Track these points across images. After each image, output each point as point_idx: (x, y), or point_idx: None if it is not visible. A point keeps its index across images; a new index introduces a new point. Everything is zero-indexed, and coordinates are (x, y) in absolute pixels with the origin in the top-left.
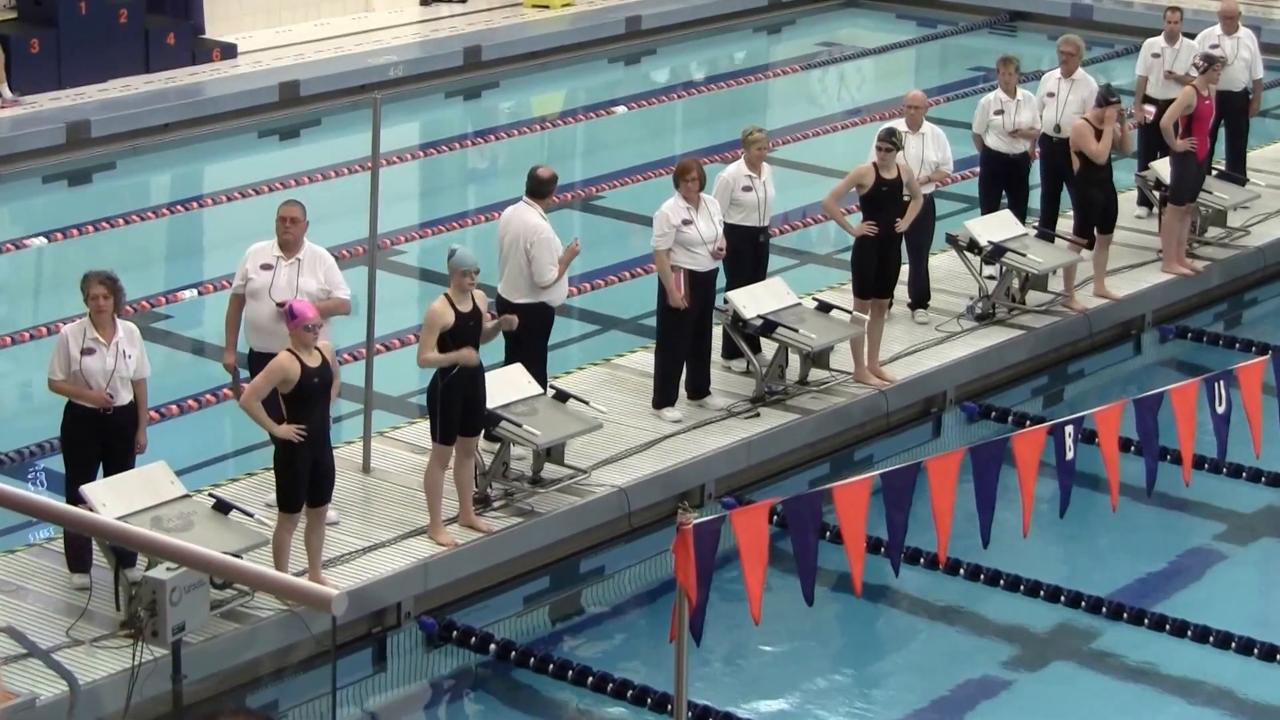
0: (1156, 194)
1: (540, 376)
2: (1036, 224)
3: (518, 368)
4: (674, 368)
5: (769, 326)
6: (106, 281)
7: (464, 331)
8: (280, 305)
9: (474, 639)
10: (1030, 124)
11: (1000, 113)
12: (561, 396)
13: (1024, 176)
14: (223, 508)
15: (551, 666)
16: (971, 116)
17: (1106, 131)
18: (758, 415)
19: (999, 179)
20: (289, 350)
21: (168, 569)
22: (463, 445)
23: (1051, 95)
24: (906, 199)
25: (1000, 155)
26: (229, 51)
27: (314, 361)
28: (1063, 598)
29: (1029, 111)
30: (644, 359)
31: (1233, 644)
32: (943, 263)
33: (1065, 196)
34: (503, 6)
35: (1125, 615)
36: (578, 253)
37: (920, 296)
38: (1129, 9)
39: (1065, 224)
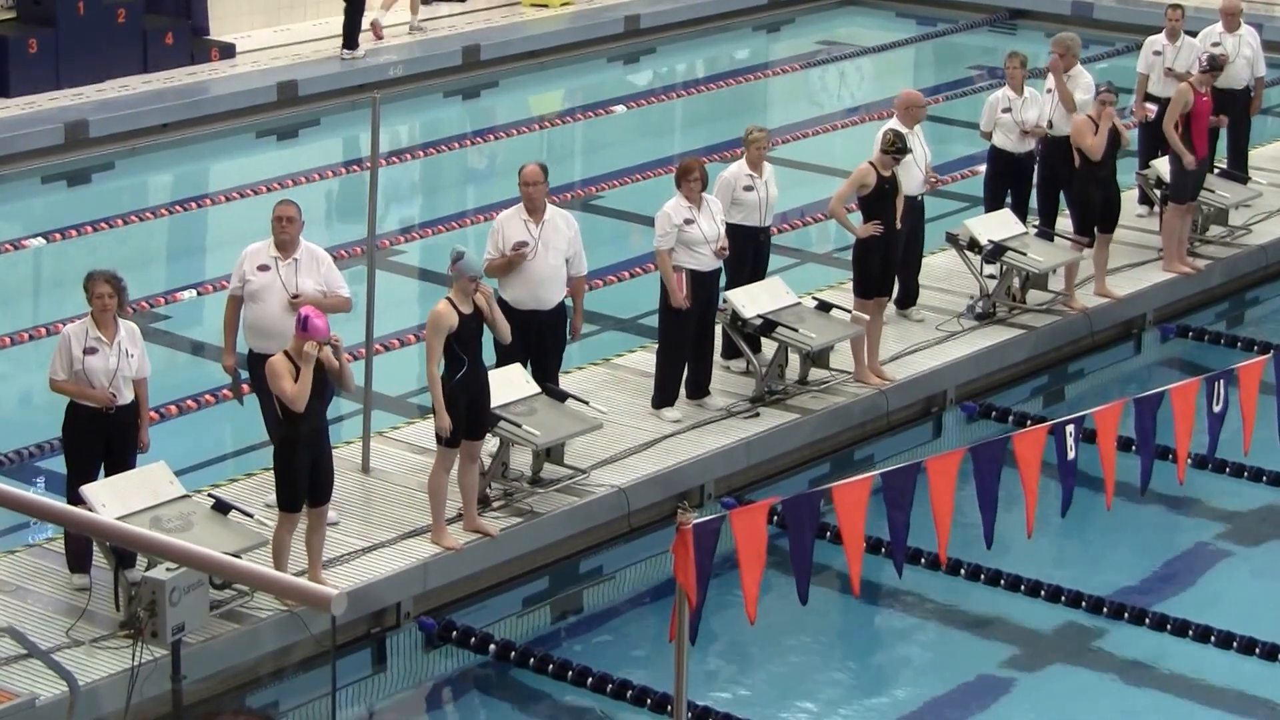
0: (1157, 192)
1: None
2: (1037, 223)
3: (516, 367)
4: (675, 368)
5: (768, 326)
6: (112, 281)
7: (468, 334)
8: (294, 298)
9: (473, 639)
10: (1037, 121)
11: (1008, 110)
12: (560, 396)
13: (1028, 175)
14: (222, 508)
15: (551, 667)
16: (970, 114)
17: (1102, 127)
18: (757, 415)
19: (1005, 177)
20: (284, 354)
21: (167, 569)
22: (467, 449)
23: (1050, 92)
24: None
25: (1007, 154)
26: (227, 51)
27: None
28: (1063, 598)
29: (1036, 109)
30: (644, 359)
31: (1234, 644)
32: (943, 262)
33: (1061, 195)
34: (501, 6)
35: (1126, 615)
36: (519, 254)
37: (907, 297)
38: (1130, 6)
39: (1064, 223)
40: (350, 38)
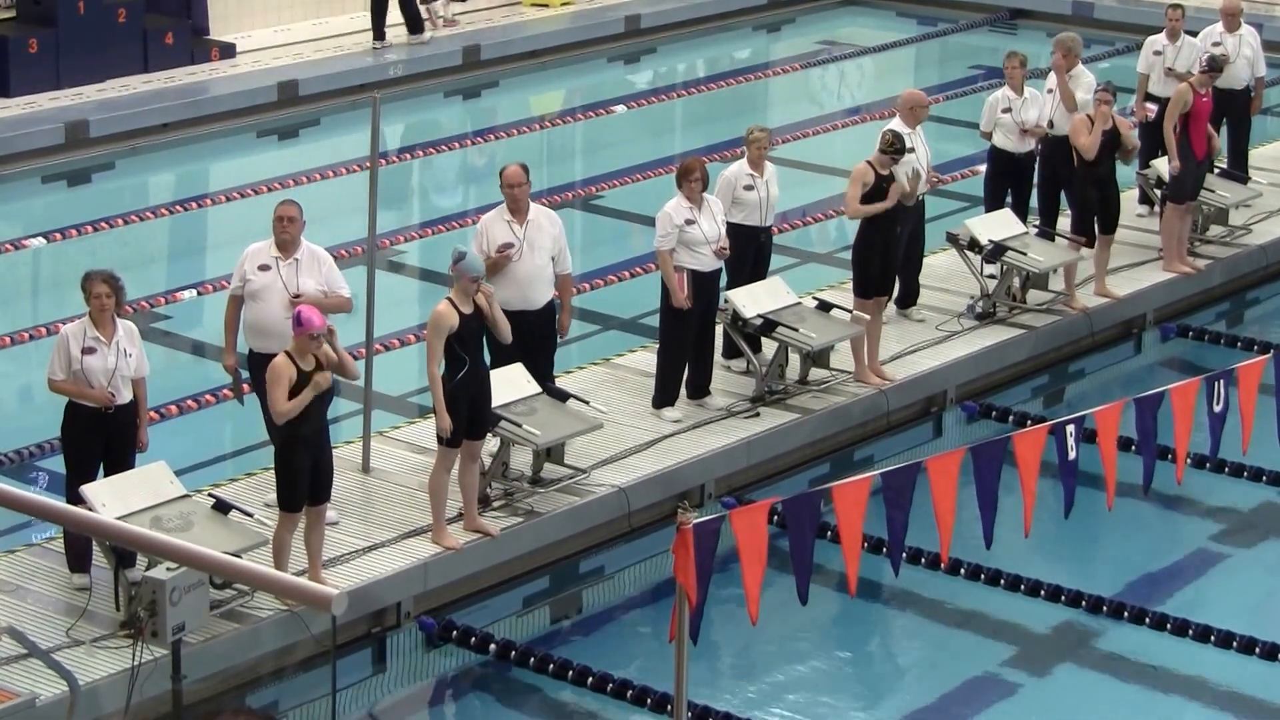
0: (1157, 192)
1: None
2: (1037, 223)
3: (518, 367)
4: (676, 368)
5: (769, 326)
6: (109, 280)
7: (469, 334)
8: (295, 297)
9: (474, 639)
10: (1037, 121)
11: (1008, 110)
12: (561, 396)
13: (1029, 175)
14: (222, 508)
15: (551, 666)
16: (971, 114)
17: (1096, 126)
18: (758, 415)
19: (1005, 177)
20: (286, 354)
21: (167, 569)
22: (468, 449)
23: (1051, 92)
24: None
25: (1007, 154)
26: (228, 51)
27: (308, 366)
28: (1063, 597)
29: (1036, 109)
30: (644, 359)
31: (1234, 643)
32: (943, 262)
33: (1062, 194)
34: (501, 6)
35: (1126, 615)
36: (504, 256)
37: (907, 297)
38: (1130, 6)
39: (1065, 223)
40: (415, 23)
